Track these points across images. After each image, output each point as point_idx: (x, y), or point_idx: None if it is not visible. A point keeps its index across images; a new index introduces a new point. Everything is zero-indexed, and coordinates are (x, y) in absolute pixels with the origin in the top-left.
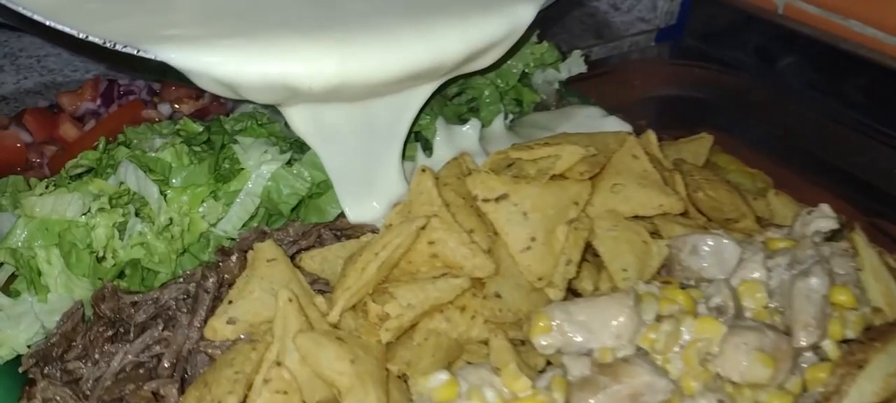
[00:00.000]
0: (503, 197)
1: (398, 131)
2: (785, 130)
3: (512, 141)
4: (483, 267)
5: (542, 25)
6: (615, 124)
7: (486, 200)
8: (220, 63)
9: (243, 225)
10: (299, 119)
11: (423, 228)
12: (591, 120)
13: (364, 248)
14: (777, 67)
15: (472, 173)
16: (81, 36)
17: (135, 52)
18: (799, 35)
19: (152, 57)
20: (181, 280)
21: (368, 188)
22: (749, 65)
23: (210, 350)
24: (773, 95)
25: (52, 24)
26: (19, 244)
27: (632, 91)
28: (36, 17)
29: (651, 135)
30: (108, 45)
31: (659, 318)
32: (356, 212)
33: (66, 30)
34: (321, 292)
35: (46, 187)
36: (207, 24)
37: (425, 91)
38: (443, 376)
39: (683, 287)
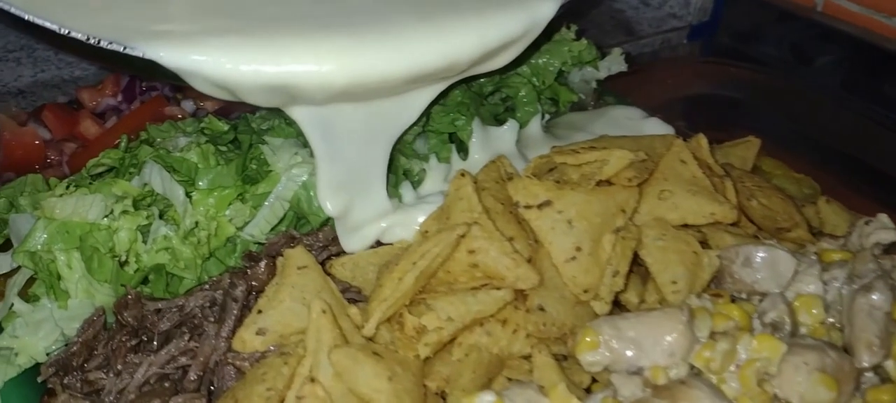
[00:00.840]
0: (546, 203)
1: (392, 135)
2: (825, 133)
3: (549, 142)
4: (527, 278)
5: (571, 21)
6: (656, 126)
7: (527, 207)
8: (214, 62)
9: (271, 230)
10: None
11: (463, 236)
12: (631, 121)
13: (400, 257)
14: (815, 66)
15: (513, 178)
16: (62, 31)
17: (121, 50)
18: (839, 33)
19: (140, 54)
20: (207, 287)
21: (357, 196)
22: (785, 63)
23: (238, 363)
24: (812, 96)
25: (30, 18)
26: (39, 247)
27: (664, 90)
28: (12, 10)
29: (702, 140)
30: (91, 41)
31: (713, 335)
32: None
33: (47, 24)
34: (353, 301)
35: (67, 187)
36: (203, 18)
37: (430, 93)
38: (489, 397)
39: (734, 300)
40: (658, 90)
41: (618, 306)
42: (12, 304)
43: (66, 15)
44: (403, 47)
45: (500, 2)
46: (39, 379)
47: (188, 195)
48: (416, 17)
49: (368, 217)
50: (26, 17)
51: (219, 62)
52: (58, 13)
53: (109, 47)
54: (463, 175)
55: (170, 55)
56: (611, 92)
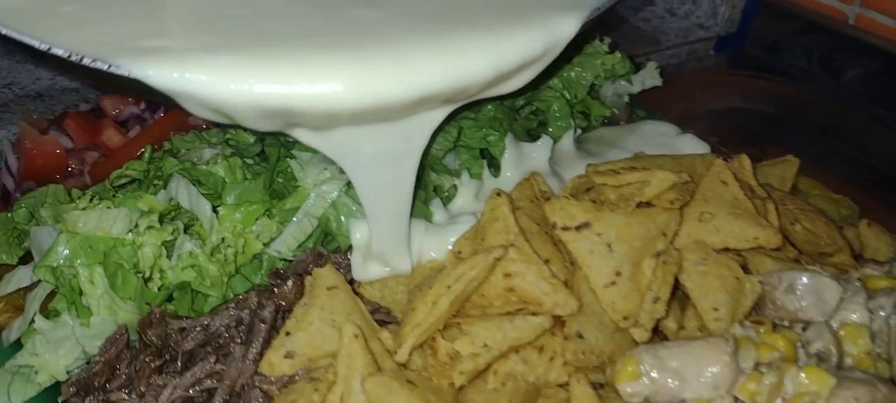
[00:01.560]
0: (585, 225)
1: (410, 160)
2: (861, 150)
3: (581, 158)
4: (565, 304)
5: (598, 33)
6: (691, 143)
7: (565, 228)
8: (205, 82)
9: (298, 246)
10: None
11: (499, 259)
12: (665, 138)
13: (433, 279)
14: (844, 80)
15: (550, 198)
16: (42, 47)
17: (105, 68)
18: (871, 47)
19: (125, 73)
20: (233, 305)
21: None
22: (814, 76)
23: (266, 387)
24: (846, 111)
25: (7, 33)
26: (61, 262)
27: (691, 103)
28: None
29: (745, 161)
30: (73, 58)
31: (758, 366)
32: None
33: (26, 40)
34: (382, 323)
35: (90, 200)
36: (199, 35)
37: (436, 118)
38: None
39: (775, 327)
40: (685, 103)
41: (655, 332)
42: (32, 320)
43: (49, 28)
44: (413, 69)
45: (515, 19)
46: (60, 400)
47: (214, 210)
48: (427, 36)
49: (387, 249)
50: (3, 31)
51: (209, 82)
52: (40, 27)
53: (93, 65)
54: (499, 194)
55: (158, 74)
56: (641, 105)
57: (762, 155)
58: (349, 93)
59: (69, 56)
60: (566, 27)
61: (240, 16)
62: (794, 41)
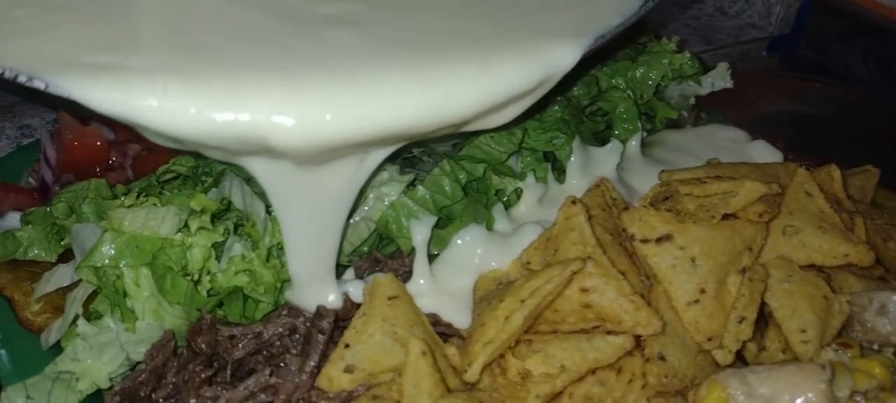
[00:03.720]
0: (666, 238)
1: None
2: None
3: (648, 165)
4: (648, 324)
5: (640, 29)
6: (763, 150)
7: (644, 240)
8: (158, 109)
9: (353, 251)
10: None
11: (576, 273)
12: (736, 144)
13: (504, 292)
14: None
15: (628, 208)
16: None
17: (42, 88)
18: None
19: (64, 94)
20: (285, 312)
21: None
22: (871, 79)
23: (323, 402)
24: None
25: None
26: (106, 262)
27: (745, 106)
28: None
29: (834, 171)
30: (7, 74)
31: (853, 395)
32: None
33: None
34: (442, 335)
35: (137, 197)
36: (155, 51)
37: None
38: None
39: (863, 351)
40: (740, 106)
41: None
42: (72, 322)
43: None
44: (389, 99)
45: (506, 45)
46: None
47: (267, 211)
48: (406, 63)
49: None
50: None
51: (163, 110)
52: None
53: (29, 84)
54: (574, 202)
55: (104, 96)
56: (703, 107)
57: (824, 163)
58: (299, 131)
59: (2, 73)
60: (563, 58)
61: (206, 35)
62: (849, 42)
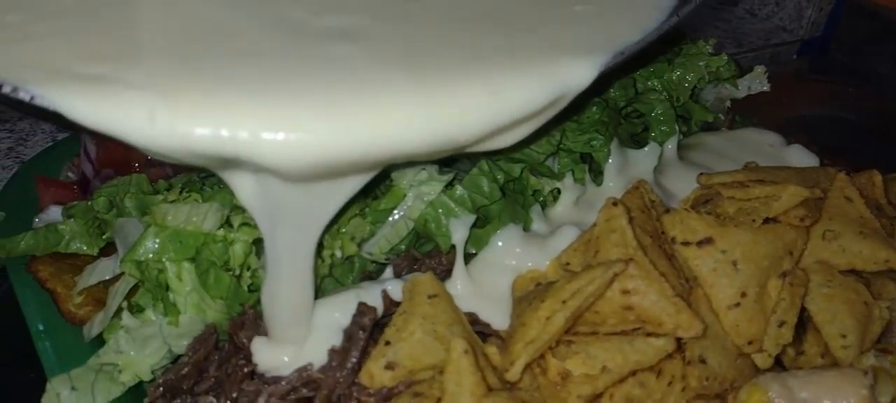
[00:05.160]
0: (707, 241)
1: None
2: None
3: (685, 168)
4: (690, 326)
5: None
6: (800, 154)
7: (686, 243)
8: (143, 128)
9: (390, 249)
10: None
11: (617, 275)
12: (772, 148)
13: (545, 292)
14: None
15: (669, 211)
16: None
17: (27, 99)
18: None
19: (49, 107)
20: None
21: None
22: None
23: (364, 398)
24: None
25: None
26: (150, 256)
27: (777, 109)
28: None
29: (876, 177)
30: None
31: (894, 401)
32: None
33: None
34: (480, 335)
35: (180, 193)
36: (152, 61)
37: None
38: None
39: None
40: (771, 109)
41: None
42: (115, 315)
43: None
44: (394, 118)
45: (516, 61)
46: (146, 401)
47: None
48: (407, 82)
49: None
50: None
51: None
52: None
53: (13, 95)
54: (615, 204)
55: (92, 108)
56: (735, 110)
57: (860, 168)
58: (317, 144)
59: None
60: (578, 77)
61: (200, 49)
62: (880, 45)
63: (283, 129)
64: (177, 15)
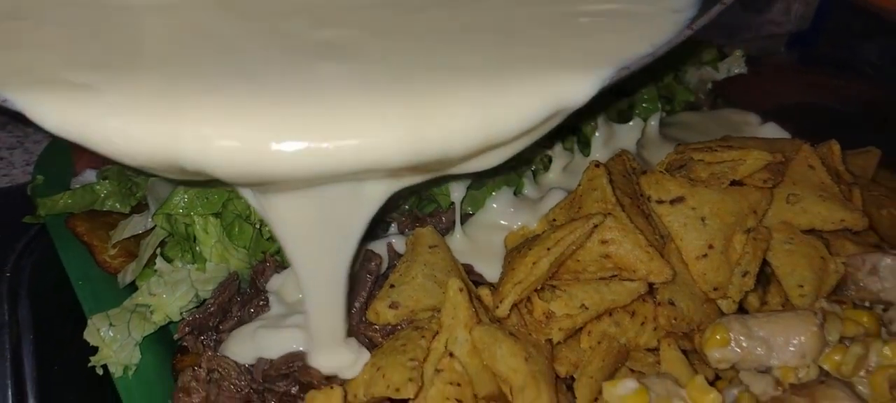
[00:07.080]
0: (679, 199)
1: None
2: None
3: (665, 143)
4: (660, 272)
5: None
6: (774, 131)
7: (660, 201)
8: (117, 139)
9: (395, 210)
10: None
11: (597, 227)
12: (748, 126)
13: (532, 243)
14: None
15: (647, 173)
16: None
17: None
18: None
19: (19, 109)
20: None
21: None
22: (889, 76)
23: (370, 333)
24: None
25: None
26: (180, 210)
27: (764, 98)
28: None
29: (835, 146)
30: None
31: (842, 340)
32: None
33: None
34: (474, 282)
35: None
36: (133, 76)
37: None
38: (631, 383)
39: (856, 307)
40: (758, 97)
41: (738, 309)
42: (147, 264)
43: None
44: (388, 135)
45: (513, 74)
46: (176, 338)
47: None
48: (403, 97)
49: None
50: None
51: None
52: None
53: None
54: (597, 166)
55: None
56: (720, 96)
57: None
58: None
59: None
60: (577, 93)
61: (196, 58)
62: (868, 39)
63: (227, 137)
64: (163, 24)
